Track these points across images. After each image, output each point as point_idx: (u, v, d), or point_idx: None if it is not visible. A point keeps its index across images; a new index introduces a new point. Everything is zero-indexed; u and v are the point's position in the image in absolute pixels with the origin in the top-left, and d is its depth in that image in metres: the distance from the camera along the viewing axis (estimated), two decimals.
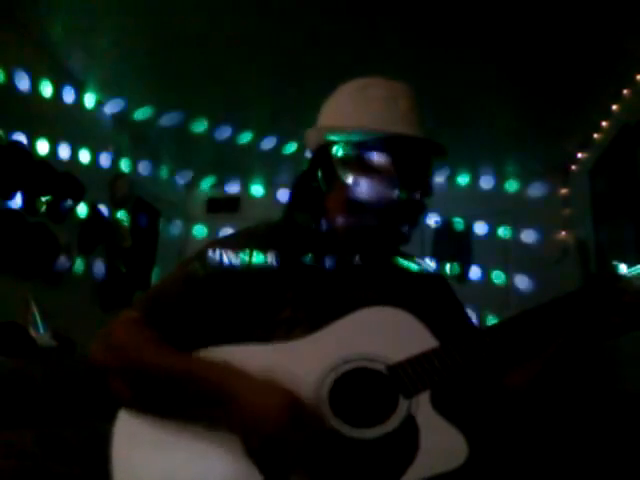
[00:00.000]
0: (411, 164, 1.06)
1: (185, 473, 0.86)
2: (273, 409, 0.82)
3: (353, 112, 1.09)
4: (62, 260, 3.07)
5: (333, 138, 1.09)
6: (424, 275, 1.20)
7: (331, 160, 1.10)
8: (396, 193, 1.05)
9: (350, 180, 1.08)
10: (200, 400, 0.89)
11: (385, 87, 1.10)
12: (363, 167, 1.07)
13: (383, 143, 1.06)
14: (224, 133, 3.83)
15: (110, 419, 0.91)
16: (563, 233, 4.26)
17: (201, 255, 1.05)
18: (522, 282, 4.12)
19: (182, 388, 0.89)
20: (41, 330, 2.75)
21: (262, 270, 1.03)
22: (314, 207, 1.12)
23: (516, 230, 4.30)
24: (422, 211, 1.10)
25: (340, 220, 1.10)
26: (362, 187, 1.07)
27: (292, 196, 1.17)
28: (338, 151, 1.09)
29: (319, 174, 1.13)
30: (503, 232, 4.34)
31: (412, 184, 1.06)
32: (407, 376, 0.90)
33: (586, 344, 0.97)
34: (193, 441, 0.88)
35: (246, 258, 1.04)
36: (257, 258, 1.04)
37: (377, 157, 1.06)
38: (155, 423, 0.90)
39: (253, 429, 0.83)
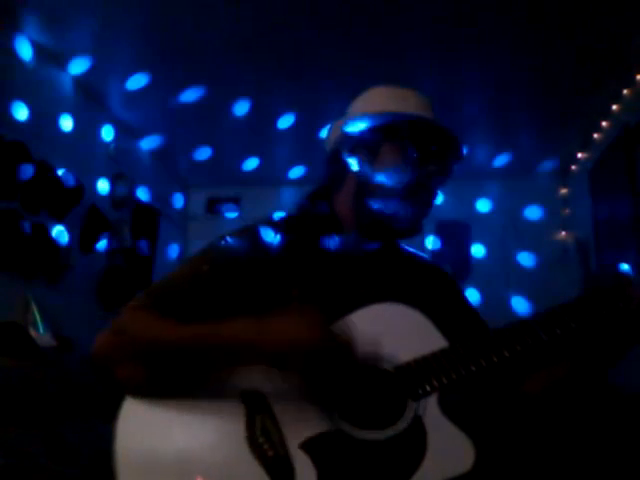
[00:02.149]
0: (416, 146, 1.05)
1: (189, 458, 0.86)
2: (305, 328, 0.83)
3: (361, 106, 1.13)
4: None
5: (342, 131, 1.11)
6: (433, 273, 1.20)
7: (339, 156, 1.11)
8: (401, 176, 1.05)
9: (357, 166, 1.09)
10: (232, 353, 0.88)
11: (395, 88, 1.13)
12: (369, 152, 1.08)
13: (389, 126, 1.06)
14: (224, 132, 3.83)
15: (110, 419, 0.91)
16: (563, 233, 4.26)
17: (206, 252, 1.05)
18: (522, 282, 4.11)
19: (212, 349, 0.89)
20: (41, 330, 2.75)
21: (267, 267, 1.03)
22: (323, 205, 1.13)
23: (516, 230, 4.29)
24: (430, 194, 1.08)
25: (349, 215, 1.11)
26: (369, 172, 1.08)
27: (304, 198, 1.18)
28: (343, 142, 1.10)
29: (330, 174, 1.14)
30: (503, 232, 4.34)
31: (418, 166, 1.05)
32: (415, 377, 0.89)
33: (608, 354, 0.96)
34: (197, 431, 0.88)
35: (250, 255, 1.04)
36: (262, 255, 1.04)
37: (381, 141, 1.07)
38: (159, 414, 0.90)
39: (294, 351, 0.83)
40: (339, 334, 0.85)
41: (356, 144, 1.09)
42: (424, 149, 1.05)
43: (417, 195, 1.05)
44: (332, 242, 1.09)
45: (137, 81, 3.26)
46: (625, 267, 0.97)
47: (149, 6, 2.68)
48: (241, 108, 3.50)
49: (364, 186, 1.08)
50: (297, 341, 0.83)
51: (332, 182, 1.15)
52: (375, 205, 1.06)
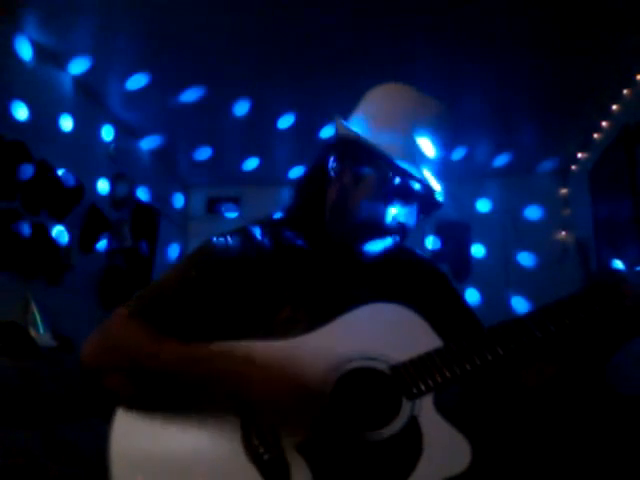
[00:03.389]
0: (399, 196, 1.05)
1: (184, 460, 0.86)
2: (283, 392, 0.84)
3: (375, 125, 1.08)
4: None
5: (341, 135, 1.10)
6: (426, 270, 1.19)
7: (330, 157, 1.11)
8: (378, 213, 1.04)
9: (341, 182, 1.08)
10: (213, 389, 0.88)
11: (416, 109, 1.08)
12: (354, 175, 1.07)
13: (386, 166, 1.04)
14: (224, 132, 3.83)
15: (110, 419, 0.90)
16: (563, 233, 4.27)
17: (195, 255, 1.05)
18: (522, 282, 4.11)
19: (194, 379, 0.89)
20: (41, 330, 2.75)
21: (258, 269, 1.03)
22: (314, 200, 1.12)
23: (516, 230, 4.29)
24: (401, 235, 1.08)
25: (329, 215, 1.10)
26: (348, 192, 1.07)
27: (296, 188, 1.17)
28: (339, 146, 1.10)
29: (329, 163, 1.12)
30: (503, 232, 4.34)
31: (395, 213, 1.05)
32: (410, 377, 0.89)
33: (602, 349, 0.95)
34: (192, 433, 0.87)
35: (242, 257, 1.03)
36: (253, 256, 1.04)
37: (373, 175, 1.06)
38: (154, 417, 0.90)
39: (268, 407, 0.85)
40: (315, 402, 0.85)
41: (347, 157, 1.09)
42: (405, 197, 1.05)
43: (385, 228, 1.05)
44: (325, 244, 1.09)
45: (137, 81, 3.27)
46: (618, 264, 0.97)
47: (149, 6, 2.68)
48: (241, 108, 3.50)
49: (341, 201, 1.08)
50: (275, 404, 0.84)
51: (322, 179, 1.13)
52: (348, 221, 1.06)
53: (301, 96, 3.40)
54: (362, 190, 1.06)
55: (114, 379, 0.92)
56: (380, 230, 1.05)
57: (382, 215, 1.04)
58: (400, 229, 1.06)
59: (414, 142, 1.04)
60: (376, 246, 1.07)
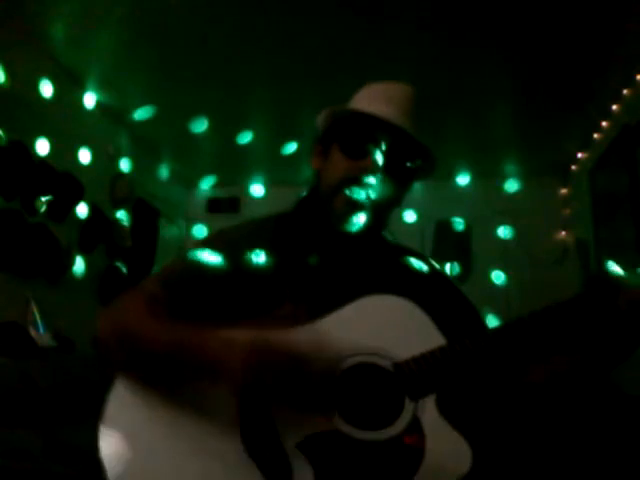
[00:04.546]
0: (370, 143, 1.02)
1: (183, 464, 0.85)
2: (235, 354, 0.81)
3: (349, 102, 1.11)
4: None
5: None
6: (427, 271, 1.19)
7: (325, 146, 1.12)
8: (361, 170, 1.02)
9: (329, 163, 1.08)
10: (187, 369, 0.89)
11: (387, 85, 1.10)
12: (323, 150, 1.10)
13: (351, 120, 1.05)
14: (224, 133, 3.83)
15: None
16: (563, 233, 4.27)
17: (202, 249, 1.05)
18: (522, 282, 4.11)
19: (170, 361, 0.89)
20: (41, 330, 2.75)
21: (260, 265, 1.03)
22: (312, 195, 1.13)
23: (516, 230, 4.30)
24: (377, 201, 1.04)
25: (324, 197, 1.09)
26: (335, 166, 1.07)
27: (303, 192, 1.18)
28: (328, 140, 1.10)
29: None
30: (503, 232, 4.34)
31: (370, 167, 1.01)
32: (413, 376, 0.88)
33: (607, 352, 0.94)
34: (191, 431, 0.87)
35: (245, 252, 1.04)
36: (256, 252, 1.04)
37: (352, 140, 1.05)
38: (151, 415, 0.89)
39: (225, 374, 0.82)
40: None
41: (320, 140, 1.11)
42: (369, 149, 1.02)
43: (360, 198, 1.02)
44: (325, 240, 1.09)
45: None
46: (614, 266, 0.96)
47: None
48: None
49: (330, 174, 1.07)
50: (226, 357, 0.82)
51: (318, 178, 1.14)
52: (336, 189, 1.04)
53: (303, 99, 3.40)
54: (344, 157, 1.05)
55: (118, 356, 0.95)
56: (365, 186, 1.02)
57: (365, 171, 1.01)
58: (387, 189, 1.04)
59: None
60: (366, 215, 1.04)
